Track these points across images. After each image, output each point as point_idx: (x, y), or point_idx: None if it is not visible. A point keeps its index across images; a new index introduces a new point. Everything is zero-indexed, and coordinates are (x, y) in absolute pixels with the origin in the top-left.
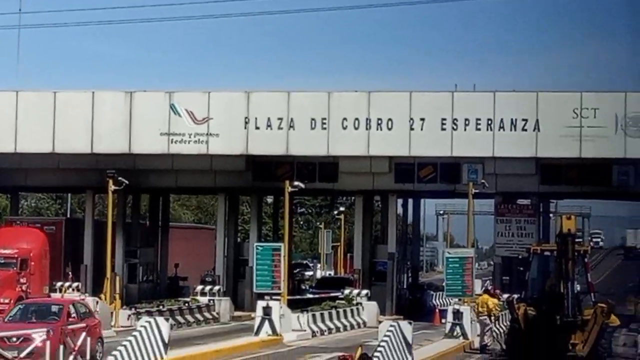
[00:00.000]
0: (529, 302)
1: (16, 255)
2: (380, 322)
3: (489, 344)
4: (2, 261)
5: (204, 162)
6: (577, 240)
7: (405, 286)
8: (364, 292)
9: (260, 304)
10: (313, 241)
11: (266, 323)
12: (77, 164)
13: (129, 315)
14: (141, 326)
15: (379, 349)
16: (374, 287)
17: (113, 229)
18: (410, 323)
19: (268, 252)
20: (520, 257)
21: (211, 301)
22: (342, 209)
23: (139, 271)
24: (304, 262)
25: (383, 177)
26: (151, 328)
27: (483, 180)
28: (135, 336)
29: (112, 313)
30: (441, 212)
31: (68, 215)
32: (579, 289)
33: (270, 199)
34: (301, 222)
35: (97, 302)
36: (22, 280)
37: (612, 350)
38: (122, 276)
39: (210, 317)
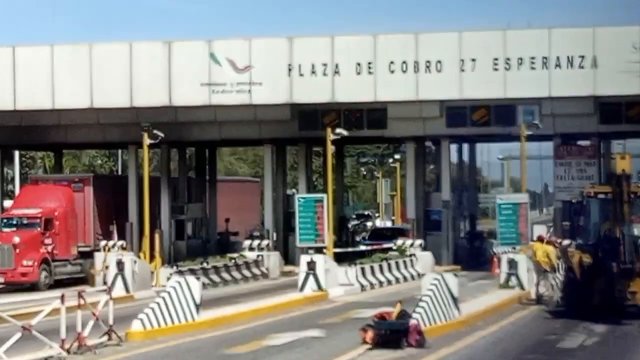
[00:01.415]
0: (584, 249)
1: (40, 215)
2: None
3: (544, 294)
4: (25, 222)
5: (247, 113)
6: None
7: (463, 235)
8: (418, 242)
9: (304, 258)
10: (375, 191)
11: (311, 278)
12: (118, 118)
13: (170, 274)
14: (170, 287)
15: (420, 304)
16: (429, 237)
17: (151, 184)
18: (455, 275)
19: (310, 203)
20: (574, 201)
21: (259, 256)
22: (397, 156)
23: (186, 228)
24: (367, 212)
25: (434, 122)
26: (181, 288)
27: (536, 122)
28: (163, 297)
29: (152, 272)
30: (500, 157)
31: (119, 172)
32: (636, 233)
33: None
34: (364, 172)
35: (135, 262)
36: (46, 241)
37: None
38: (170, 233)
39: (258, 273)
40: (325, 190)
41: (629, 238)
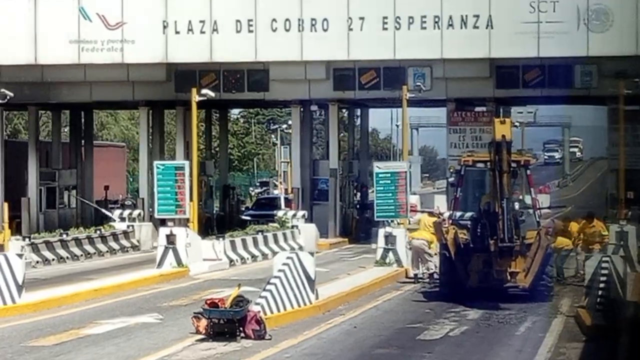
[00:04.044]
0: (460, 224)
1: None
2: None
3: (421, 273)
4: None
5: (120, 73)
6: (522, 150)
7: (353, 206)
8: (300, 213)
9: (163, 231)
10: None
11: (170, 253)
12: None
13: (23, 247)
14: None
15: (267, 287)
16: (315, 207)
17: (20, 149)
18: (312, 253)
19: (170, 171)
20: (451, 170)
21: (130, 227)
22: (290, 122)
23: (58, 196)
24: (269, 181)
25: (320, 84)
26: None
27: (419, 84)
28: None
29: (1, 245)
30: (397, 124)
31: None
32: (517, 207)
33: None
34: (274, 140)
35: None
36: None
37: (564, 278)
38: (39, 202)
39: (128, 245)
40: (206, 157)
41: (508, 213)
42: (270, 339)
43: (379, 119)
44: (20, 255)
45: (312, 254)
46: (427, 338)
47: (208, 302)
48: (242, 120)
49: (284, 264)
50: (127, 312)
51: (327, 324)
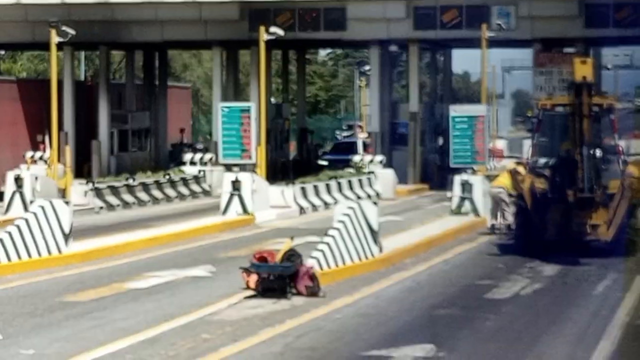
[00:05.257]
0: (537, 172)
1: None
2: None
3: (499, 223)
4: None
5: (192, 11)
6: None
7: (435, 151)
8: (378, 158)
9: (228, 177)
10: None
11: (235, 200)
12: (48, 15)
13: (86, 192)
14: (31, 212)
15: (325, 239)
16: (394, 153)
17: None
18: (375, 203)
19: (236, 114)
20: (529, 115)
21: (201, 172)
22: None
23: (131, 138)
24: (355, 123)
25: (400, 23)
26: (45, 214)
27: (499, 22)
28: (18, 226)
29: (63, 190)
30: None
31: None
32: (599, 154)
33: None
34: (364, 82)
35: (37, 178)
36: None
37: None
38: (111, 145)
39: (199, 190)
40: (284, 99)
41: (588, 161)
42: (324, 297)
43: (471, 61)
44: (67, 202)
45: (375, 203)
46: (496, 297)
47: (257, 255)
48: (330, 62)
49: (345, 214)
50: (180, 263)
51: (388, 280)
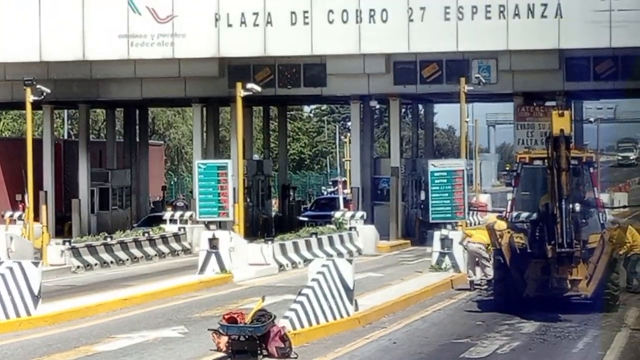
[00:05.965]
0: (516, 228)
1: None
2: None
3: (478, 279)
4: None
5: (171, 68)
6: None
7: (417, 206)
8: (359, 214)
9: (205, 235)
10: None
11: (212, 258)
12: (28, 73)
13: (63, 252)
14: None
15: (298, 298)
16: (376, 208)
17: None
18: (350, 261)
19: (212, 170)
20: (507, 169)
21: (181, 229)
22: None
23: (111, 197)
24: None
25: (380, 78)
26: (13, 276)
27: (478, 76)
28: None
29: (39, 249)
30: (467, 120)
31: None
32: (578, 208)
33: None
34: (347, 137)
35: (12, 238)
36: None
37: (634, 285)
38: (91, 203)
39: (179, 248)
40: (265, 155)
41: (567, 215)
42: (296, 358)
43: (456, 116)
44: (36, 263)
45: (350, 261)
46: (473, 356)
47: (226, 316)
48: (315, 118)
49: (319, 273)
50: (152, 324)
51: (364, 339)
